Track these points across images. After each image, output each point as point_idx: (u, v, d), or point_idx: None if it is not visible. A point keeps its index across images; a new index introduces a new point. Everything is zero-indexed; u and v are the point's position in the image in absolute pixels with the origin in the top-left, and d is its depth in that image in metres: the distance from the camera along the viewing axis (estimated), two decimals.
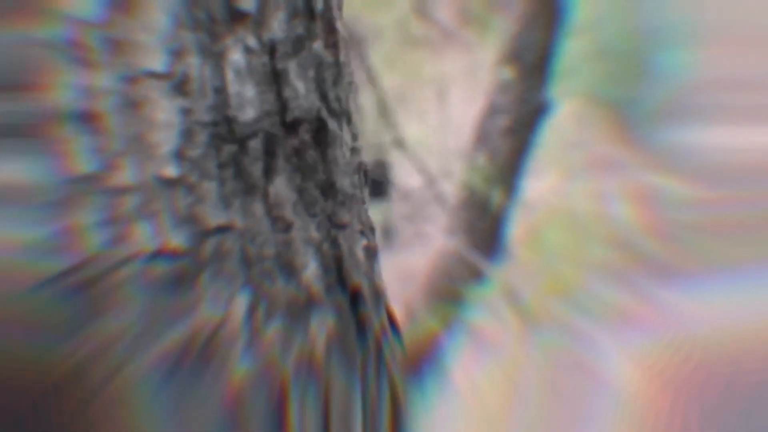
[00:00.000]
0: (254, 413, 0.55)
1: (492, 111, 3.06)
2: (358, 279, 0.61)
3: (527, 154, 3.07)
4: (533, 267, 3.32)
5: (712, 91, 3.00)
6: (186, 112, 0.55)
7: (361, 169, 0.65)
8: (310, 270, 0.57)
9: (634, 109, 3.24)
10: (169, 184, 0.54)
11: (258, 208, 0.56)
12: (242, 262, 0.56)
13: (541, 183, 3.23)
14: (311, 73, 0.59)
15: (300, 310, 0.57)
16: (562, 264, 3.29)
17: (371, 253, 0.65)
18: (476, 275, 3.11)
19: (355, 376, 0.61)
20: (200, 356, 0.54)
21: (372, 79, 3.43)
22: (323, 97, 0.60)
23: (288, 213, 0.57)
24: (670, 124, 3.11)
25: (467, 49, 3.50)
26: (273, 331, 0.56)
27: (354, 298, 0.61)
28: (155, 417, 0.54)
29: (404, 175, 4.39)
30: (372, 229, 0.66)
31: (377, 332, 0.63)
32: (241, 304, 0.55)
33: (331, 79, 0.61)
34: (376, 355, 0.63)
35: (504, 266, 3.17)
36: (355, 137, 0.65)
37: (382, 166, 4.96)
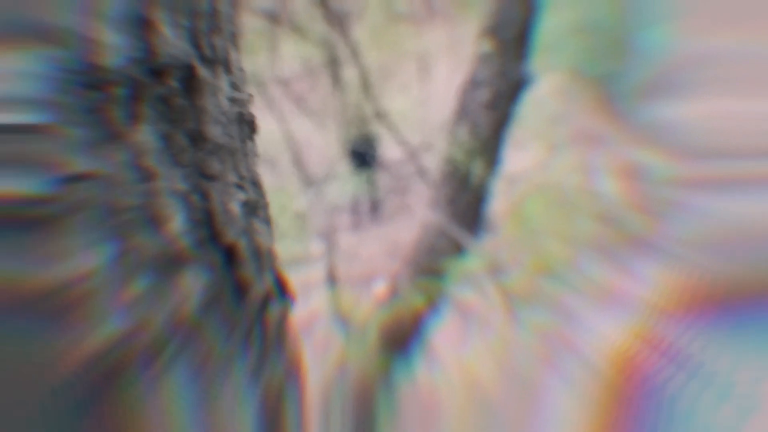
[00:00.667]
0: (121, 373, 0.51)
1: (473, 84, 3.04)
2: (233, 236, 0.57)
3: (509, 127, 3.05)
4: (516, 241, 3.31)
5: (694, 65, 2.96)
6: (49, 58, 0.51)
7: (245, 120, 0.62)
8: (177, 223, 0.53)
9: (616, 84, 3.21)
10: (28, 129, 0.50)
11: (121, 156, 0.52)
12: (106, 212, 0.51)
13: (523, 157, 3.21)
14: (184, 21, 0.55)
15: (169, 266, 0.53)
16: (544, 238, 3.27)
17: (252, 209, 0.61)
18: (459, 249, 3.10)
19: (236, 340, 0.57)
20: (61, 310, 0.50)
21: (354, 54, 3.42)
22: (196, 45, 0.56)
23: (152, 162, 0.53)
24: (652, 99, 3.08)
25: (449, 23, 3.47)
26: (141, 286, 0.52)
27: (229, 256, 0.57)
28: (7, 371, 0.50)
29: (388, 148, 4.40)
30: (257, 185, 0.62)
31: (259, 296, 0.60)
32: (105, 255, 0.51)
33: (207, 27, 0.57)
34: (260, 320, 0.60)
35: (487, 240, 3.16)
36: (236, 87, 0.61)
37: (367, 139, 4.96)
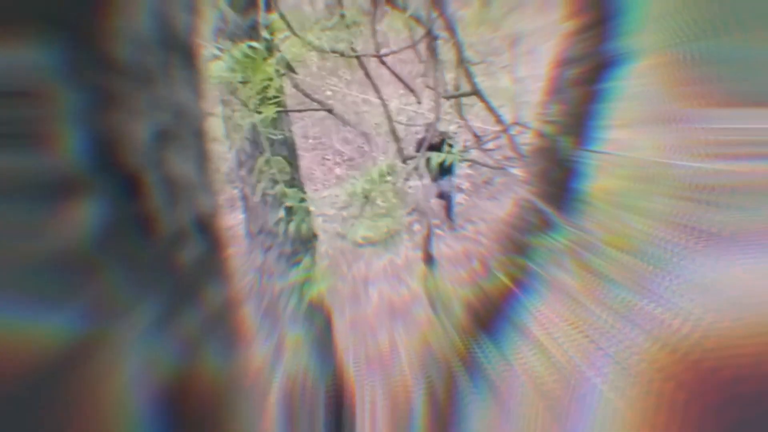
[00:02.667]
0: None
1: (564, 63, 2.95)
2: (137, 165, 0.50)
3: (598, 105, 2.96)
4: (603, 218, 3.22)
5: None
6: None
7: (178, 46, 0.55)
8: (69, 146, 0.46)
9: (707, 66, 3.08)
10: None
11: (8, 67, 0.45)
12: None
13: (612, 134, 3.11)
14: None
15: (54, 194, 0.46)
16: (630, 216, 3.17)
17: (169, 140, 0.54)
18: (550, 225, 3.05)
19: (136, 284, 0.50)
20: None
21: (452, 31, 3.37)
22: None
23: (44, 77, 0.46)
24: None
25: (543, 3, 3.40)
26: (14, 212, 0.45)
27: (132, 187, 0.50)
28: None
29: (483, 124, 4.37)
30: (183, 116, 0.55)
31: (168, 234, 0.53)
32: None
33: None
34: (168, 262, 0.53)
35: (577, 217, 3.09)
36: (168, 10, 0.54)
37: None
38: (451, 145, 4.26)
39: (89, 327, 0.47)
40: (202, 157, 0.58)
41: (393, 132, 4.04)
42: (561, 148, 2.98)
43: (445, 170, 7.09)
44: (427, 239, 4.06)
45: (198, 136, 0.58)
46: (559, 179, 3.06)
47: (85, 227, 0.47)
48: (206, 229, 0.58)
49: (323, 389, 3.87)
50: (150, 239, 0.52)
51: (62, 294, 0.47)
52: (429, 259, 3.97)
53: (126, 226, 0.50)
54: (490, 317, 3.25)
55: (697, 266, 2.94)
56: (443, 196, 7.65)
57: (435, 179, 7.38)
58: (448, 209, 7.78)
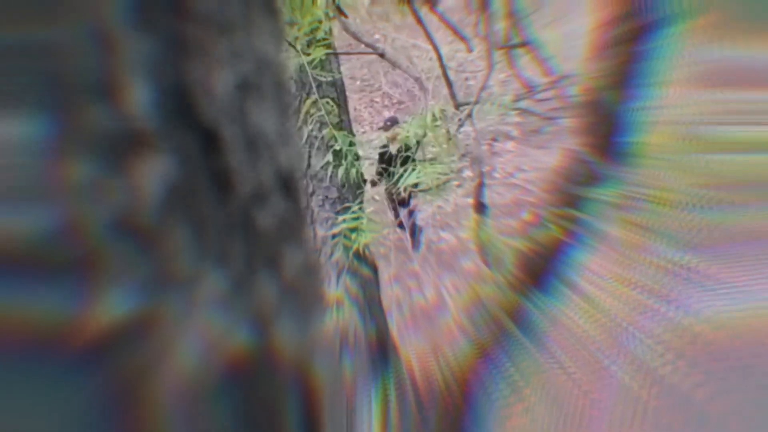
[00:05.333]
0: (47, 276, 0.40)
1: (612, 20, 2.91)
2: (214, 119, 0.45)
3: (645, 63, 2.92)
4: (651, 173, 3.17)
5: None
6: None
7: None
8: (139, 98, 0.42)
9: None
10: None
11: (74, 15, 0.40)
12: (47, 82, 0.40)
13: (656, 93, 3.06)
14: None
15: (123, 150, 0.41)
16: (677, 172, 3.13)
17: (250, 92, 0.49)
18: (597, 178, 3.01)
19: (210, 249, 0.45)
20: None
21: None
22: None
23: (112, 24, 0.41)
24: None
25: None
26: (80, 173, 0.40)
27: (208, 142, 0.45)
28: None
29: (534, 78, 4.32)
30: (262, 67, 0.50)
31: (247, 194, 0.48)
32: (36, 134, 0.40)
33: None
34: (246, 225, 0.49)
35: (624, 171, 3.05)
36: None
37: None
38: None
39: (151, 301, 0.43)
40: (282, 111, 0.54)
41: (445, 77, 3.98)
42: (608, 103, 2.94)
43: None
44: (479, 187, 4.02)
45: (278, 89, 0.53)
46: (606, 132, 3.03)
47: (153, 188, 0.43)
48: (287, 188, 0.54)
49: (366, 346, 3.85)
50: (226, 200, 0.48)
51: (125, 265, 0.42)
52: (480, 208, 3.93)
53: (199, 186, 0.45)
54: (541, 269, 3.23)
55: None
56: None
57: None
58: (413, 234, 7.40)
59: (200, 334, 0.45)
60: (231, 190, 0.48)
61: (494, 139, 7.67)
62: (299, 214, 0.57)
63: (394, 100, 9.82)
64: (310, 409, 0.54)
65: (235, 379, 0.47)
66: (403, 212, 6.96)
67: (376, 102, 9.90)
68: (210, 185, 0.46)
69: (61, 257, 0.40)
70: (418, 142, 3.92)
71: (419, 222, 7.24)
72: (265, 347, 0.50)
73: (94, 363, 0.41)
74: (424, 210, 7.28)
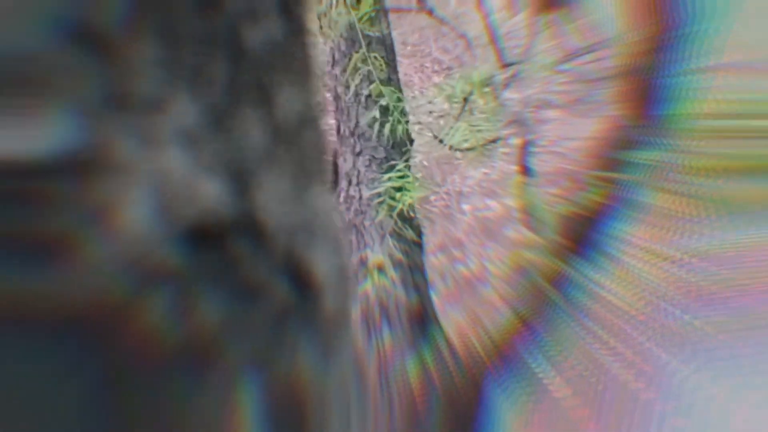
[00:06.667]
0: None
1: None
2: None
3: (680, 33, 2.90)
4: (694, 142, 3.15)
5: None
6: None
7: None
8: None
9: None
10: None
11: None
12: None
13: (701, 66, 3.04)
14: None
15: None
16: (719, 141, 3.10)
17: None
18: (639, 146, 3.01)
19: (180, 62, 0.37)
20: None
21: None
22: None
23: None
24: None
25: None
26: None
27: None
28: None
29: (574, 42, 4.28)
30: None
31: (238, 8, 0.40)
32: None
33: None
34: (232, 45, 0.39)
35: (666, 139, 3.04)
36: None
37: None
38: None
39: (100, 131, 0.34)
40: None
41: (493, 42, 3.97)
42: (652, 72, 2.93)
43: None
44: (524, 153, 4.01)
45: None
46: (648, 102, 3.01)
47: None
48: (288, 8, 0.45)
49: (405, 314, 3.83)
50: (209, 10, 0.39)
51: (74, 81, 0.34)
52: (525, 173, 3.93)
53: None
54: (584, 236, 3.22)
55: None
56: None
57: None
58: None
59: (158, 184, 0.36)
60: (215, 5, 0.39)
61: (538, 107, 7.62)
62: (302, 44, 0.46)
63: (444, 66, 9.78)
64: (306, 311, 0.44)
65: (195, 250, 0.37)
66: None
67: (426, 67, 9.87)
68: None
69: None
70: (465, 99, 3.91)
71: (465, 188, 7.23)
72: (241, 212, 0.40)
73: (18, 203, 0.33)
74: (471, 176, 7.27)
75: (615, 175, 3.07)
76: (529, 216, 3.74)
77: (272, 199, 0.41)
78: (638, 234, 3.23)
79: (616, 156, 3.06)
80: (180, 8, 0.37)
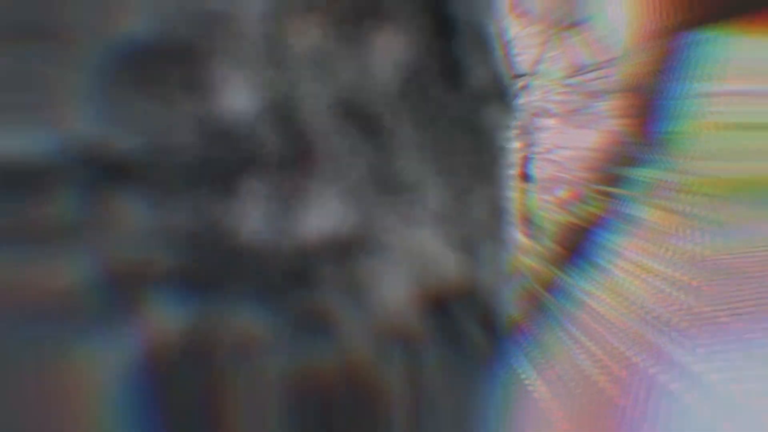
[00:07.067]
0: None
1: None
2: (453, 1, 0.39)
3: (687, 52, 2.94)
4: (692, 160, 3.19)
5: None
6: None
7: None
8: None
9: None
10: None
11: None
12: None
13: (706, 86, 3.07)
14: None
15: (361, 15, 0.36)
16: (719, 160, 3.13)
17: None
18: (637, 161, 3.05)
19: (432, 146, 0.39)
20: None
21: None
22: None
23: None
24: None
25: None
26: (311, 38, 0.35)
27: (443, 29, 0.39)
28: None
29: (579, 58, 4.33)
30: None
31: (476, 92, 0.41)
32: None
33: None
34: (473, 129, 0.41)
35: (664, 155, 3.07)
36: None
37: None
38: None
39: (362, 210, 0.37)
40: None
41: (503, 49, 3.98)
42: (652, 88, 2.97)
43: None
44: (525, 158, 4.02)
45: None
46: (647, 117, 3.05)
47: (386, 67, 0.37)
48: (503, 94, 0.46)
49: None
50: (454, 95, 0.41)
51: (340, 157, 0.36)
52: (525, 178, 3.94)
53: (430, 75, 0.39)
54: (578, 245, 3.26)
55: None
56: None
57: None
58: None
59: (412, 261, 0.38)
60: (460, 85, 0.41)
61: (537, 114, 7.68)
62: (511, 127, 0.49)
63: None
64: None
65: (431, 316, 0.39)
66: None
67: None
68: (440, 76, 0.40)
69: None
70: None
71: None
72: (467, 281, 0.41)
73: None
74: None
75: (611, 187, 3.11)
76: (527, 219, 3.78)
77: (487, 269, 0.44)
78: (629, 247, 3.26)
79: (613, 170, 3.10)
80: (433, 89, 0.39)
